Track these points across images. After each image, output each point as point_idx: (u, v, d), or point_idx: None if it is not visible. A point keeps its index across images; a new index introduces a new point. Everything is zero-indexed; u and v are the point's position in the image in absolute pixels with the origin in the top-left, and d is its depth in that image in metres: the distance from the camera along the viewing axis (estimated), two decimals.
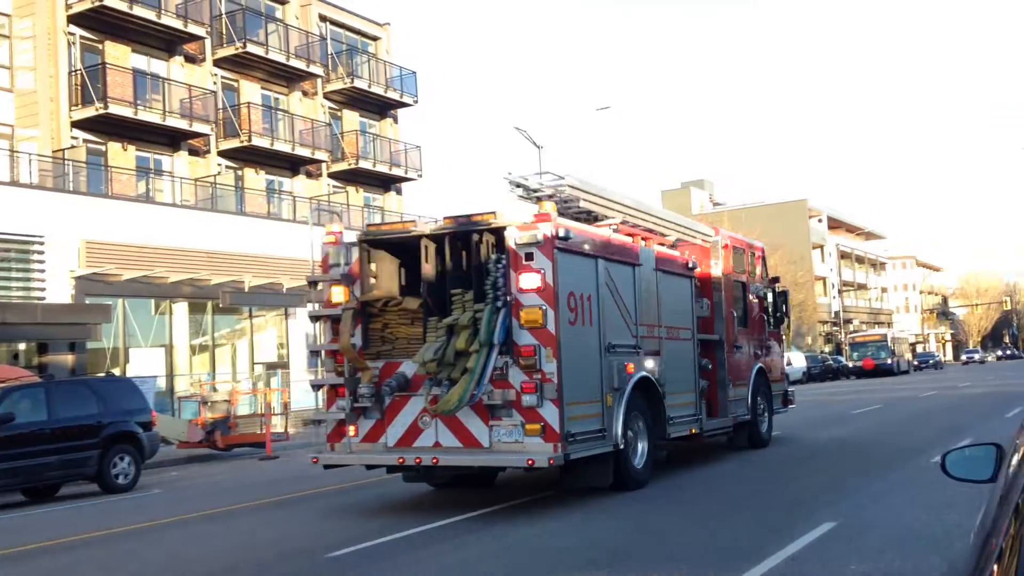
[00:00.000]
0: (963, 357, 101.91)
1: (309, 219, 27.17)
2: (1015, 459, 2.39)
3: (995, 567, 1.93)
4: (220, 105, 34.00)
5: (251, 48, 34.23)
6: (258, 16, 35.97)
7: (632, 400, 11.38)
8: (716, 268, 15.21)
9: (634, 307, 11.96)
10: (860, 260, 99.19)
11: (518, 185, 11.88)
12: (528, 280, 10.07)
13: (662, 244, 13.87)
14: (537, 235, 10.08)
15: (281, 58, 35.68)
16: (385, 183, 42.16)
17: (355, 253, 11.28)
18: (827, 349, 76.61)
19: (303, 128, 36.81)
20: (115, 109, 29.05)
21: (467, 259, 10.72)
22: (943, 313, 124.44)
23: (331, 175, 39.19)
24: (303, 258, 33.19)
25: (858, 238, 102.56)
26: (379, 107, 42.19)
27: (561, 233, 10.24)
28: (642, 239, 13.01)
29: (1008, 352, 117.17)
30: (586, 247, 10.92)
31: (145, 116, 30.15)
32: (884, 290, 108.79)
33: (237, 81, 35.27)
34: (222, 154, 34.20)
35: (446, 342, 10.32)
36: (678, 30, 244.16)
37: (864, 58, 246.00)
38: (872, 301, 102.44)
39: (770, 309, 17.54)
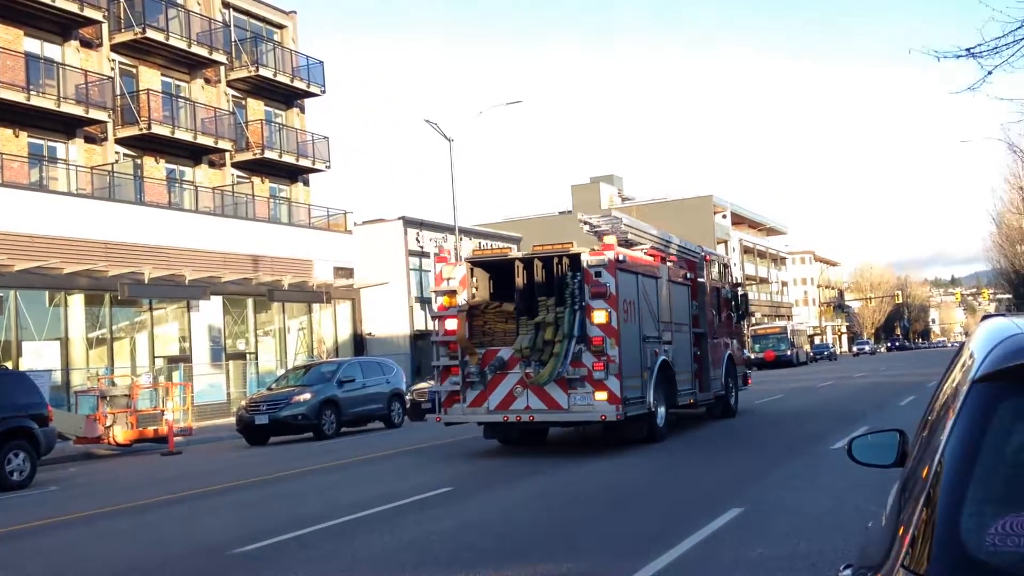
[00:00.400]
0: (854, 349, 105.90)
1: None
2: (922, 446, 2.46)
3: (908, 552, 1.98)
4: (118, 92, 32.88)
5: (151, 34, 33.17)
6: (158, 1, 34.86)
7: (657, 376, 15.39)
8: (701, 277, 19.25)
9: (657, 308, 16.01)
10: (762, 255, 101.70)
11: (585, 223, 16.69)
12: (598, 290, 13.98)
13: (671, 261, 17.84)
14: (604, 259, 14.14)
15: (182, 44, 34.68)
16: (292, 174, 41.42)
17: (463, 270, 15.13)
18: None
19: (205, 116, 35.89)
20: (5, 94, 27.84)
21: (548, 276, 14.57)
22: (839, 306, 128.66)
23: (235, 165, 38.31)
24: (206, 249, 32.57)
25: (760, 234, 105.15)
26: (285, 96, 41.42)
27: (620, 258, 14.37)
28: (660, 258, 17.04)
29: (897, 343, 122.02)
30: (633, 267, 15.06)
31: (38, 102, 28.97)
32: (784, 284, 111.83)
33: (136, 67, 34.15)
34: (120, 142, 33.08)
35: (535, 335, 14.18)
36: (586, 30, 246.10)
37: (764, 57, 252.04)
38: (773, 295, 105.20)
39: (734, 308, 21.81)
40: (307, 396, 22.31)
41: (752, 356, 64.93)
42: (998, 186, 56.68)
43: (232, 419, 26.47)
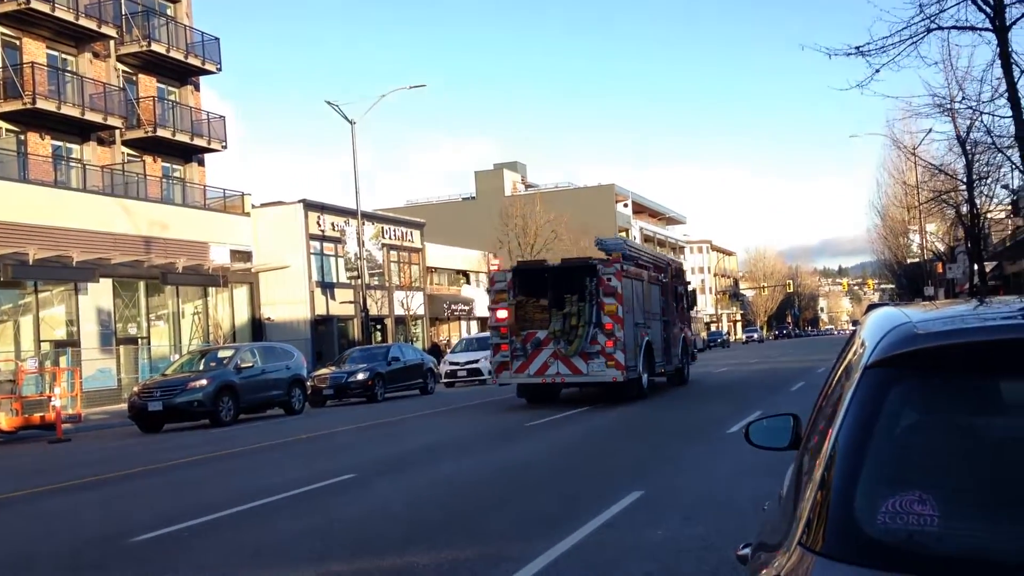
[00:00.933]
0: (744, 336, 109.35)
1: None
2: (816, 430, 2.55)
3: (805, 531, 2.06)
4: (0, 64, 31.40)
5: (35, 4, 31.78)
6: None
7: (644, 352, 20.90)
8: (666, 278, 24.90)
9: (643, 302, 21.45)
10: (662, 244, 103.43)
11: (599, 242, 22.74)
12: (609, 290, 19.42)
13: (650, 267, 23.68)
14: (613, 269, 19.67)
15: (69, 16, 33.32)
16: (186, 153, 40.28)
17: (510, 275, 20.65)
18: None
19: (94, 92, 34.58)
20: None
21: (572, 279, 19.90)
22: (734, 295, 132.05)
23: (126, 143, 37.04)
24: (95, 230, 31.46)
25: (660, 223, 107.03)
26: (179, 73, 40.21)
27: (624, 267, 20.06)
28: (645, 266, 23.16)
29: (785, 331, 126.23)
30: (631, 273, 20.62)
31: None
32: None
33: (20, 39, 32.67)
34: (3, 117, 31.66)
35: (564, 321, 19.53)
36: (489, 17, 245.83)
37: (666, 48, 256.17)
38: None
39: (686, 301, 27.85)
40: (203, 382, 21.81)
41: None
42: (883, 180, 58.79)
43: (124, 406, 25.69)
